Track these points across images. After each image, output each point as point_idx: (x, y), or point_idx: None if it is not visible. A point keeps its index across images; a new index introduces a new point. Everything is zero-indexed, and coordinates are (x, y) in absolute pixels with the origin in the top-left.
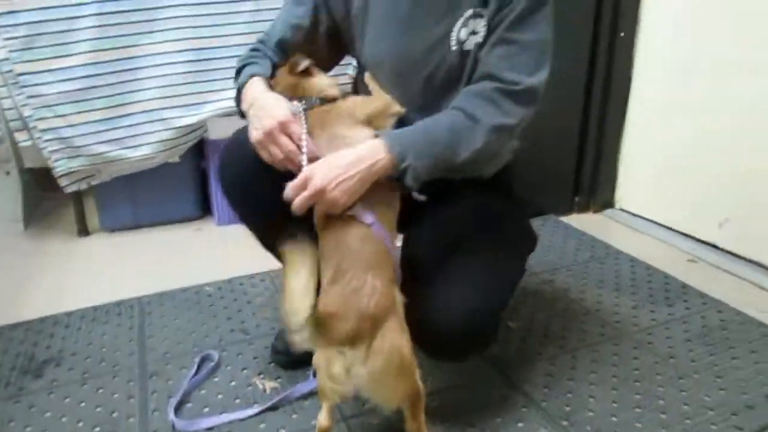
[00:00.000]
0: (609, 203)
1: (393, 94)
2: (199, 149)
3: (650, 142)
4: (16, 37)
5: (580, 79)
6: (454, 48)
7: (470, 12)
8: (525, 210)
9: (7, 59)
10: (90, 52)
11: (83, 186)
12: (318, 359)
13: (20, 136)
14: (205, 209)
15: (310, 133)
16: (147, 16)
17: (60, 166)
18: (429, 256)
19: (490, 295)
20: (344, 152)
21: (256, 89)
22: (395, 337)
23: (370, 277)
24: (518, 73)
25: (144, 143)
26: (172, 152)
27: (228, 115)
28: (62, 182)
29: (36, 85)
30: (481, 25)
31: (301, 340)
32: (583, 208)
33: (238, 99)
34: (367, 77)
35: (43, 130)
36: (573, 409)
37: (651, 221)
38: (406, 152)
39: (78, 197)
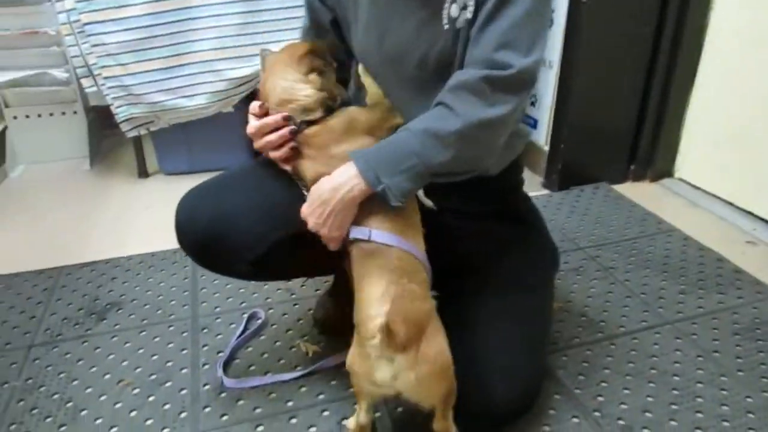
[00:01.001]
0: (667, 172)
1: (386, 81)
2: (252, 99)
3: (718, 110)
4: None
5: (646, 37)
6: (446, 27)
7: None
8: (541, 221)
9: (74, 9)
10: (148, 2)
11: (142, 131)
12: (356, 365)
13: (86, 83)
14: (256, 157)
15: (316, 157)
16: None
17: (122, 112)
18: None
19: (539, 358)
20: (322, 183)
21: None
22: (439, 340)
23: (406, 281)
24: (511, 54)
25: (199, 93)
26: (226, 102)
27: None
28: (124, 127)
29: (99, 34)
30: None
31: (374, 348)
32: (639, 177)
33: None
34: (361, 70)
35: (106, 78)
36: (606, 399)
37: (711, 194)
38: (378, 173)
39: (138, 141)
